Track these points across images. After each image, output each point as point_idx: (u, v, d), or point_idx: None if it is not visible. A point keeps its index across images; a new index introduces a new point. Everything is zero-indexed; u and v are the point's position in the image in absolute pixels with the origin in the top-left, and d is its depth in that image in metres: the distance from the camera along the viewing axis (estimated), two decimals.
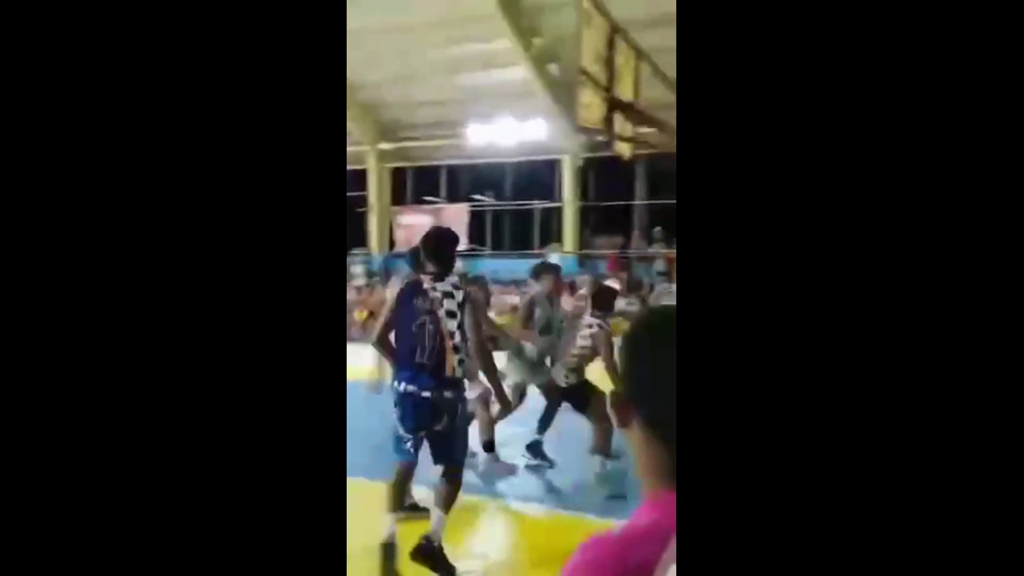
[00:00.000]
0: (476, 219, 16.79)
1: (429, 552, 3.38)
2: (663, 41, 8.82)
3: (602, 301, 5.50)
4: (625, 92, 6.23)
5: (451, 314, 3.42)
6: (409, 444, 3.47)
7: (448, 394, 3.42)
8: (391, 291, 4.21)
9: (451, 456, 3.51)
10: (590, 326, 5.20)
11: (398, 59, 12.77)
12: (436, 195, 17.40)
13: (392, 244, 17.13)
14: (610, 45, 6.02)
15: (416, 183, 17.39)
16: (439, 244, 3.61)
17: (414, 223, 17.17)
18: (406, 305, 3.49)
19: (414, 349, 3.42)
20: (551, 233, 16.28)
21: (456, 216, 16.75)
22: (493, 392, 3.95)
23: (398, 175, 17.27)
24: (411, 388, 3.42)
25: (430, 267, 3.55)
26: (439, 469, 3.55)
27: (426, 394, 3.40)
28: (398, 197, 17.39)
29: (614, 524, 0.80)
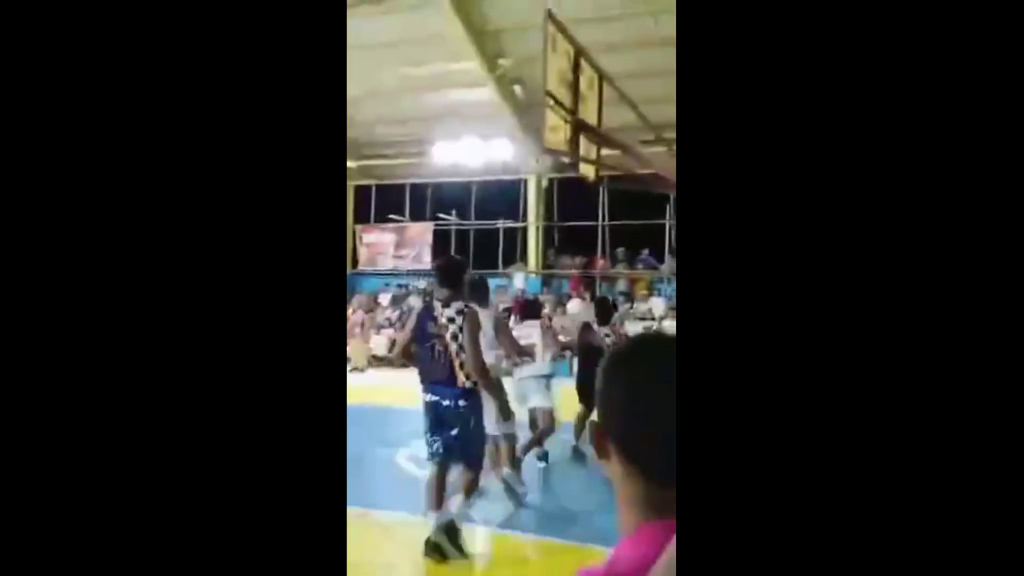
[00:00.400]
0: (440, 238, 16.76)
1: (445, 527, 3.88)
2: (625, 66, 8.99)
3: (603, 313, 6.34)
4: (589, 115, 6.29)
5: (455, 337, 3.92)
6: (436, 446, 4.03)
7: (463, 403, 3.95)
8: (352, 309, 4.71)
9: (469, 457, 4.04)
10: (608, 335, 5.96)
11: (363, 78, 12.74)
12: (400, 214, 17.33)
13: (356, 262, 17.01)
14: (575, 68, 6.08)
15: (380, 201, 17.31)
16: (447, 271, 4.15)
17: (377, 241, 17.10)
18: (422, 328, 4.05)
19: (429, 368, 4.01)
20: (515, 253, 16.32)
21: (420, 235, 16.70)
22: (496, 406, 4.37)
23: (362, 193, 17.21)
24: (433, 398, 4.02)
25: (441, 292, 4.05)
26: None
27: (447, 403, 3.97)
28: (362, 215, 17.31)
29: (604, 552, 0.78)
